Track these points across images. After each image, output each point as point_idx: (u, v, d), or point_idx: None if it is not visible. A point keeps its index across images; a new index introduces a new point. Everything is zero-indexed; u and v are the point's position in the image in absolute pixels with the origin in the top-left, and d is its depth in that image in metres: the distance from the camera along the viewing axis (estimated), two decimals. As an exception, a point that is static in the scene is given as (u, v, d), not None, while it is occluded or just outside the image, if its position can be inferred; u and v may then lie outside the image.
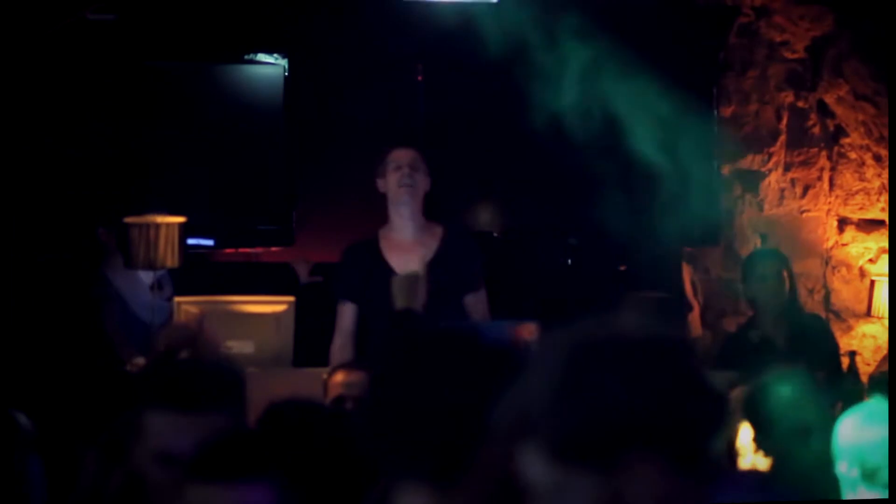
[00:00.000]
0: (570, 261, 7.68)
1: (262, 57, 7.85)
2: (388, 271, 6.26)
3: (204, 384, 2.87)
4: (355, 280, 6.35)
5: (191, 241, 6.84)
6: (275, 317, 6.06)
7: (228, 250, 7.79)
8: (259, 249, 7.67)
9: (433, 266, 6.32)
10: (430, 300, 6.10)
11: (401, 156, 6.38)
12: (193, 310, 5.91)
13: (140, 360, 6.16)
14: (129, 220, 6.45)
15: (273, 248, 7.69)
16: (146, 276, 6.63)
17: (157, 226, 6.40)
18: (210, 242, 7.65)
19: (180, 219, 6.47)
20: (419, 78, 7.75)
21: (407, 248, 6.37)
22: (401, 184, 6.31)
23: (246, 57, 7.85)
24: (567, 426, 1.78)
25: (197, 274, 7.10)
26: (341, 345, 6.28)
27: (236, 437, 2.68)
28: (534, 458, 1.80)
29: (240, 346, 5.83)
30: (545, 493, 1.79)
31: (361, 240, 6.54)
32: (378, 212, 7.09)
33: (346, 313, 6.37)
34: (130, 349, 6.49)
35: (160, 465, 2.76)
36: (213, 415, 2.75)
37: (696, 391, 1.84)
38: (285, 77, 7.79)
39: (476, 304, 6.39)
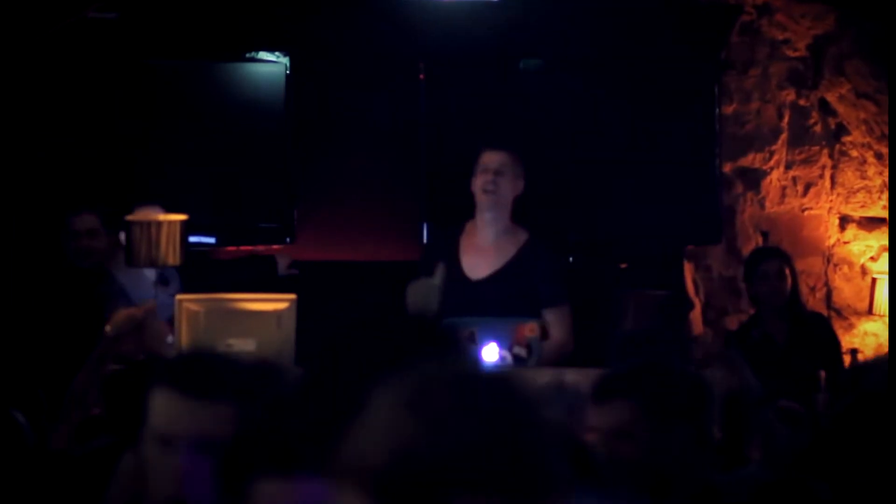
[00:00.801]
0: (570, 258, 7.67)
1: (263, 55, 7.84)
2: (459, 273, 6.21)
3: (209, 371, 2.86)
4: (432, 269, 6.23)
5: (192, 239, 6.84)
6: (276, 315, 6.05)
7: (230, 248, 7.79)
8: (260, 247, 7.67)
9: (503, 274, 6.23)
10: (500, 310, 6.01)
11: (490, 159, 6.28)
12: (194, 307, 5.91)
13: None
14: (130, 217, 6.45)
15: (275, 246, 7.69)
16: (150, 273, 6.63)
17: (159, 223, 6.39)
18: (211, 240, 7.66)
19: (182, 216, 6.46)
20: (421, 76, 7.75)
21: (482, 252, 6.28)
22: (484, 189, 6.23)
23: (247, 55, 7.85)
24: (385, 465, 1.75)
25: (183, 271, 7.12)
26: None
27: (291, 429, 2.69)
28: (351, 498, 1.78)
29: (241, 344, 5.83)
30: None
31: (449, 227, 6.45)
32: (380, 209, 7.11)
33: None
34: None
35: (159, 447, 2.77)
36: (213, 403, 2.75)
37: (520, 426, 1.80)
38: (287, 75, 7.78)
39: (554, 321, 6.14)
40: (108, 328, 5.64)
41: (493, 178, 6.21)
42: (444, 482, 1.75)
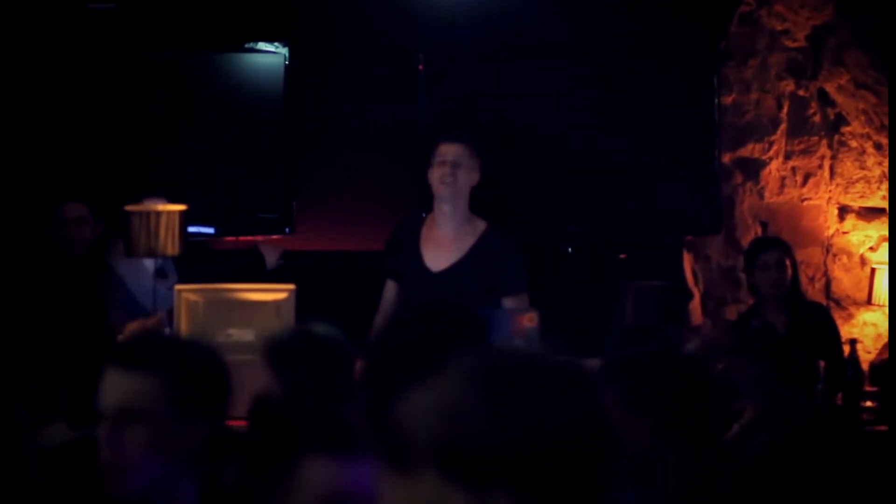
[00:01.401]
0: (570, 249, 7.67)
1: (262, 46, 7.83)
2: (420, 265, 6.32)
3: (138, 345, 2.94)
4: (395, 262, 6.38)
5: (191, 230, 6.84)
6: (275, 305, 6.05)
7: (229, 238, 7.79)
8: (260, 237, 7.67)
9: (463, 265, 6.29)
10: (462, 299, 6.06)
11: (446, 151, 6.34)
12: (193, 298, 5.92)
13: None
14: (129, 208, 6.45)
15: (274, 236, 7.69)
16: (149, 264, 6.63)
17: (158, 214, 6.40)
18: (210, 230, 7.66)
19: (181, 207, 6.47)
20: (420, 67, 7.74)
21: (442, 244, 6.36)
22: (442, 181, 6.30)
23: (246, 46, 7.84)
24: (451, 440, 1.78)
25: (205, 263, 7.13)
26: (381, 322, 6.30)
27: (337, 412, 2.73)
28: (423, 464, 1.81)
29: (240, 335, 5.84)
30: (427, 500, 1.80)
31: (411, 218, 6.55)
32: (379, 199, 7.10)
33: (388, 291, 6.45)
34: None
35: (101, 422, 2.84)
36: (137, 374, 2.80)
37: (585, 428, 1.82)
38: (286, 66, 7.78)
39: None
40: (120, 339, 5.67)
41: (451, 171, 6.28)
42: (501, 461, 1.77)
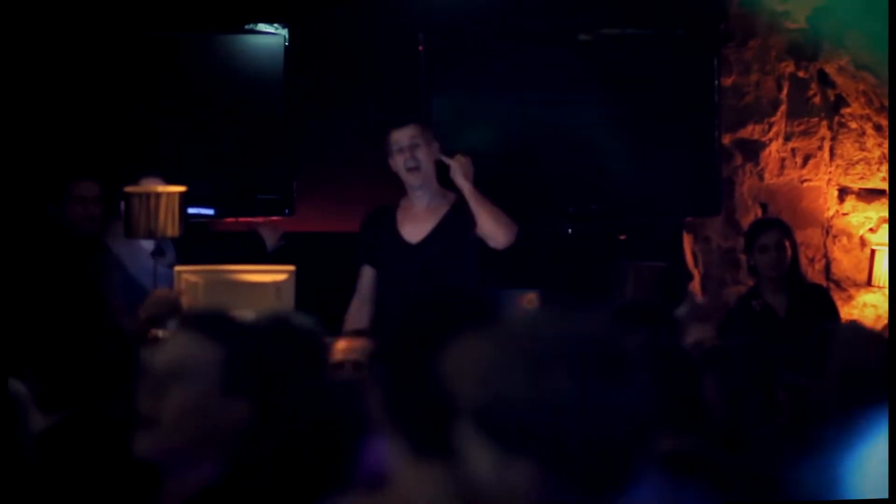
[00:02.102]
0: (570, 230, 7.68)
1: (262, 27, 7.83)
2: (399, 240, 6.44)
3: (209, 312, 3.23)
4: (372, 246, 6.48)
5: (191, 211, 6.83)
6: (275, 286, 6.06)
7: (229, 220, 7.79)
8: (260, 219, 7.67)
9: (438, 233, 6.42)
10: (440, 268, 6.22)
11: (400, 136, 6.52)
12: (193, 279, 5.92)
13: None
14: (129, 189, 6.44)
15: (273, 218, 7.68)
16: (147, 244, 6.63)
17: (158, 195, 6.39)
18: (210, 212, 7.66)
19: (181, 188, 6.46)
20: (420, 48, 7.73)
21: (418, 218, 6.54)
22: (407, 168, 6.48)
23: (246, 27, 7.83)
24: (512, 410, 1.81)
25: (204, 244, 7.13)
26: (358, 308, 6.46)
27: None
28: (471, 433, 1.84)
29: (240, 316, 5.83)
30: (481, 471, 1.83)
31: (382, 205, 6.65)
32: (378, 181, 7.10)
33: (365, 277, 6.55)
34: (128, 315, 6.48)
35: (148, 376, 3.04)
36: (198, 336, 2.98)
37: (622, 414, 1.83)
38: (286, 47, 7.77)
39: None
40: (141, 312, 5.67)
41: (411, 154, 6.46)
42: (528, 436, 1.79)
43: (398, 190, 6.69)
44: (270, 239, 7.40)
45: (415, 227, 6.51)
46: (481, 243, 6.50)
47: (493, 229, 6.43)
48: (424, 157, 6.48)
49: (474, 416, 1.82)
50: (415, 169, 6.45)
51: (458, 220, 6.47)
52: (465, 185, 6.46)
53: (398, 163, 6.49)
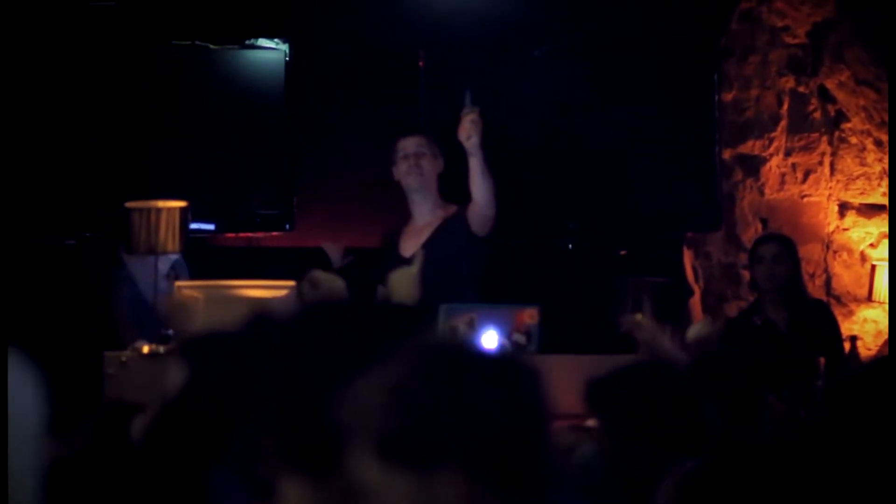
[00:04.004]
0: (570, 245, 7.67)
1: (263, 42, 7.84)
2: (397, 255, 6.43)
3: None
4: (380, 265, 6.45)
5: (191, 226, 6.83)
6: (275, 302, 6.05)
7: (229, 235, 7.79)
8: (260, 234, 7.67)
9: (430, 245, 6.39)
10: (431, 281, 6.19)
11: (406, 144, 6.51)
12: (194, 294, 5.91)
13: (141, 345, 6.14)
14: (130, 204, 6.44)
15: (273, 233, 7.68)
16: (162, 263, 6.60)
17: (159, 210, 6.38)
18: (211, 227, 7.65)
19: (181, 203, 6.46)
20: (420, 64, 7.74)
21: (415, 231, 6.53)
22: (408, 172, 6.45)
23: (247, 42, 7.84)
24: (394, 428, 1.85)
25: (205, 260, 7.13)
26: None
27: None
28: (362, 455, 1.87)
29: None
30: (368, 490, 1.87)
31: (393, 227, 6.67)
32: (379, 196, 7.11)
33: (380, 297, 6.49)
34: (133, 333, 6.48)
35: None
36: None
37: (524, 417, 1.90)
38: (286, 62, 7.78)
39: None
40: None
41: (415, 161, 6.45)
42: (449, 452, 1.83)
43: (399, 205, 6.68)
44: (335, 255, 7.36)
45: (411, 241, 6.49)
46: (480, 257, 6.47)
47: (483, 195, 6.28)
48: (428, 165, 6.46)
49: (380, 445, 1.86)
50: (416, 173, 6.44)
51: (450, 233, 6.43)
52: (471, 141, 6.22)
53: (400, 169, 6.49)
